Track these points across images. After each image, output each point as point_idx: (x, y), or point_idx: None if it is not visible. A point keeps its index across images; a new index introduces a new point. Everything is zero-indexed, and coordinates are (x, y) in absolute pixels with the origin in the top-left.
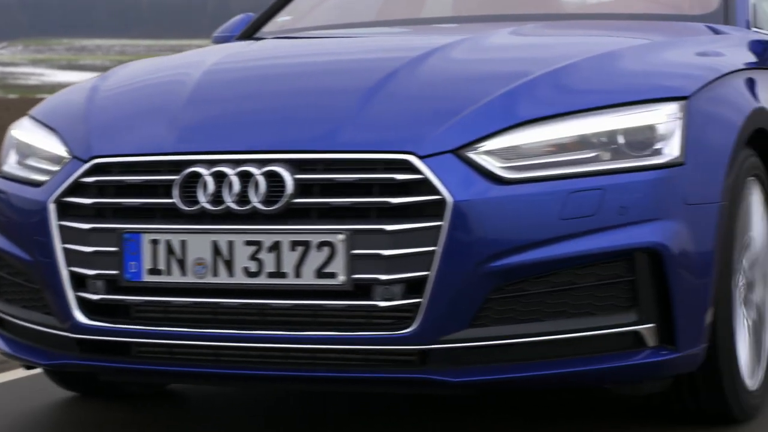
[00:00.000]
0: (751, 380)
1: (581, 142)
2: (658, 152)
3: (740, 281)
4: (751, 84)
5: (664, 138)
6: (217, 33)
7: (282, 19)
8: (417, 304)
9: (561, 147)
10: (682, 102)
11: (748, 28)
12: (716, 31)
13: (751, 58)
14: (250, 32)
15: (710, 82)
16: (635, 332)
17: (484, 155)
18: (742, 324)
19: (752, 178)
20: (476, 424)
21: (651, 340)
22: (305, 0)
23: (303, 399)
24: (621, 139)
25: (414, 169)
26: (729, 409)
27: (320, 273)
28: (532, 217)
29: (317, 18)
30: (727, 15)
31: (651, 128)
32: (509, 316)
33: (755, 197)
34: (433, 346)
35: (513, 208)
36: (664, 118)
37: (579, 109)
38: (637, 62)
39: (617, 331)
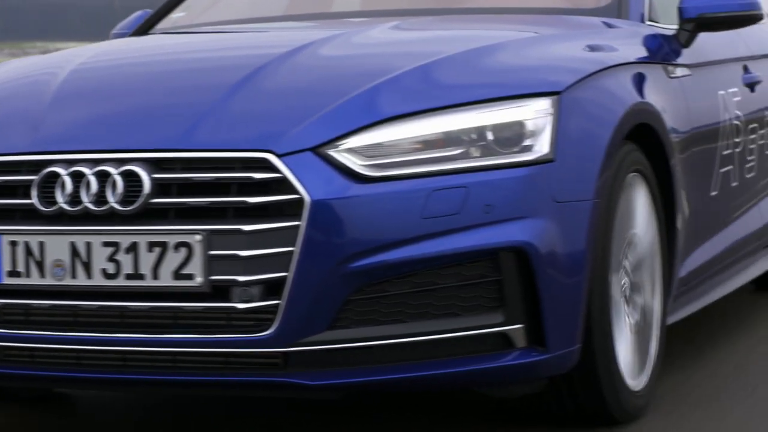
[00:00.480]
0: (634, 380)
1: (447, 139)
2: (527, 149)
3: (623, 280)
4: (635, 78)
5: (533, 134)
6: (115, 30)
7: (177, 15)
8: (276, 306)
9: (426, 144)
10: (554, 97)
11: (642, 21)
12: (608, 25)
13: (640, 52)
14: (144, 29)
15: (586, 77)
16: (503, 333)
17: (345, 153)
18: (625, 324)
19: (635, 174)
20: (354, 423)
21: (519, 341)
22: None
23: (188, 400)
24: (489, 136)
25: (272, 168)
26: (608, 409)
27: (178, 274)
28: (393, 216)
29: (220, 13)
30: (620, 9)
31: (520, 124)
32: (371, 317)
33: (638, 194)
34: (292, 349)
35: (373, 207)
36: (534, 113)
37: (445, 105)
38: (512, 57)
39: (484, 332)
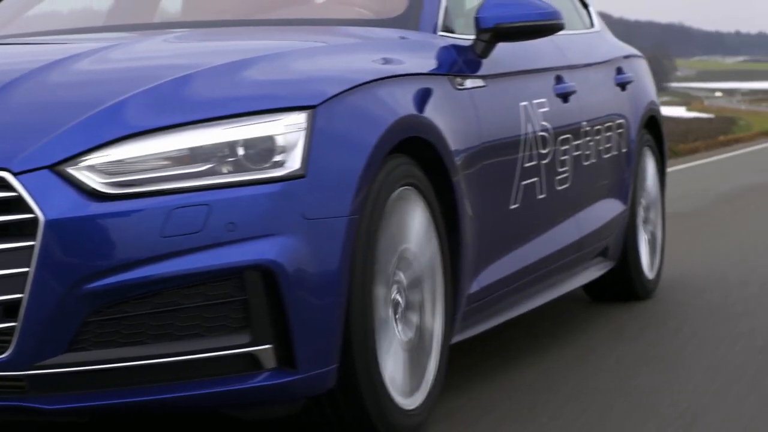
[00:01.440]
0: (406, 399)
1: (194, 155)
2: (277, 165)
3: (394, 297)
4: (410, 91)
5: (284, 150)
6: None
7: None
8: (12, 328)
9: (172, 160)
10: (308, 111)
11: (434, 32)
12: (396, 36)
13: (423, 64)
14: None
15: (348, 90)
16: (250, 354)
17: (85, 171)
18: (396, 342)
19: (407, 187)
20: None
21: (268, 362)
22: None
23: None
24: (239, 152)
25: (8, 187)
26: (375, 428)
27: None
28: (131, 235)
29: (38, 23)
30: (412, 20)
31: (271, 139)
32: (110, 339)
33: (412, 208)
34: (29, 372)
35: (110, 225)
36: (285, 128)
37: (194, 120)
38: (271, 70)
39: (230, 354)
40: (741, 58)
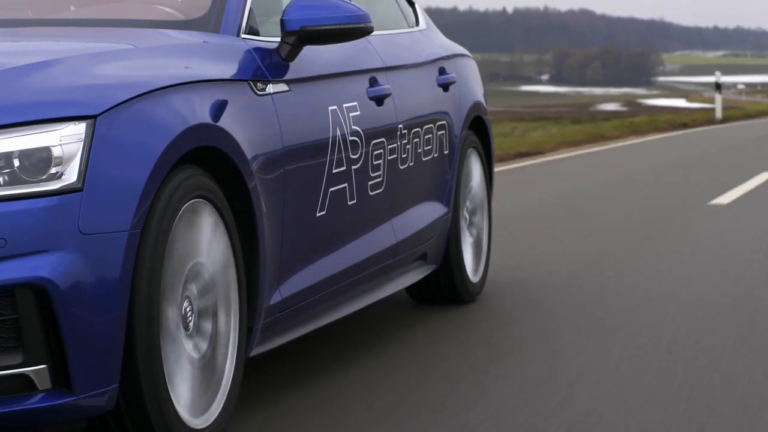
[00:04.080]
0: (198, 417)
1: None
2: (53, 177)
3: (185, 312)
4: (202, 98)
5: (60, 162)
6: None
7: None
8: None
9: None
10: (88, 122)
11: (237, 35)
12: (194, 40)
13: (221, 69)
14: None
15: (132, 99)
16: (24, 375)
17: None
18: (185, 359)
19: (198, 200)
20: None
21: (43, 383)
22: None
23: None
24: (13, 163)
25: None
26: None
27: None
28: None
29: None
30: (214, 22)
31: (47, 151)
32: None
33: (203, 220)
34: None
35: None
36: (60, 139)
37: None
38: (54, 76)
39: (2, 374)
40: (721, 53)
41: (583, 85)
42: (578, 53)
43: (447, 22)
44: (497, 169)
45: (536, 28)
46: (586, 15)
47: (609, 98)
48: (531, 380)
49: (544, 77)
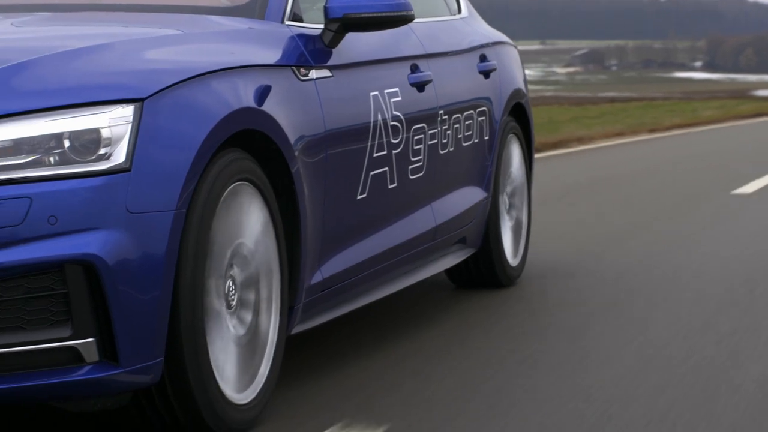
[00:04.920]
0: (239, 394)
1: (16, 147)
2: (102, 158)
3: (228, 291)
4: (247, 82)
5: (109, 143)
6: None
7: None
8: None
9: None
10: (136, 104)
11: (282, 21)
12: (240, 26)
13: (265, 54)
14: None
15: (180, 82)
16: (72, 347)
17: None
18: (228, 335)
19: (241, 182)
20: None
21: (91, 356)
22: None
23: None
24: (64, 144)
25: None
26: (205, 422)
27: None
28: None
29: None
30: (258, 8)
31: (96, 132)
32: None
33: (247, 202)
34: None
35: None
36: (109, 121)
37: (18, 111)
38: (104, 60)
39: (52, 346)
40: None
41: (737, 71)
42: (731, 40)
43: (600, 8)
44: (686, 131)
45: (690, 15)
46: (738, 2)
47: (763, 85)
48: (568, 360)
49: (698, 64)
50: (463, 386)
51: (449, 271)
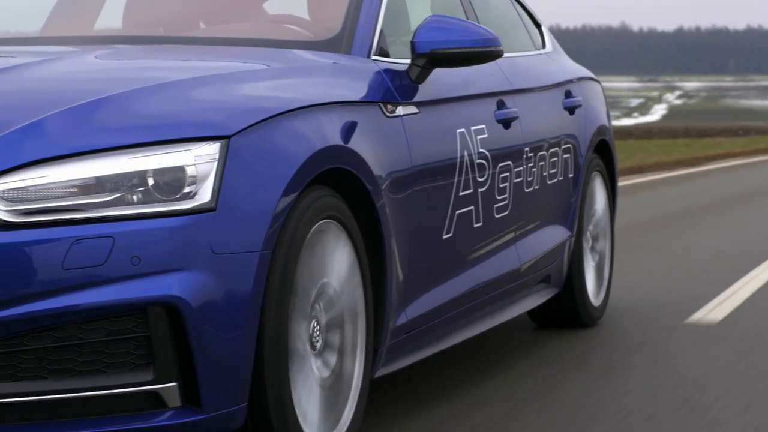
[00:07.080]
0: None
1: (99, 185)
2: (187, 196)
3: (313, 332)
4: (333, 120)
5: (194, 181)
6: None
7: None
8: None
9: (78, 189)
10: (222, 142)
11: (368, 56)
12: (324, 61)
13: (352, 90)
14: None
15: (264, 120)
16: (154, 392)
17: None
18: (312, 378)
19: (327, 220)
20: None
21: (173, 401)
22: None
23: None
24: (147, 182)
25: None
26: None
27: None
28: (32, 266)
29: None
30: (345, 43)
31: (181, 170)
32: (8, 372)
33: (333, 241)
34: None
35: (12, 255)
36: (195, 159)
37: (102, 148)
38: (188, 96)
39: (133, 391)
40: None
41: None
42: None
43: (729, 40)
44: None
45: None
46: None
47: None
48: (651, 399)
49: None
50: (553, 424)
51: (531, 310)
